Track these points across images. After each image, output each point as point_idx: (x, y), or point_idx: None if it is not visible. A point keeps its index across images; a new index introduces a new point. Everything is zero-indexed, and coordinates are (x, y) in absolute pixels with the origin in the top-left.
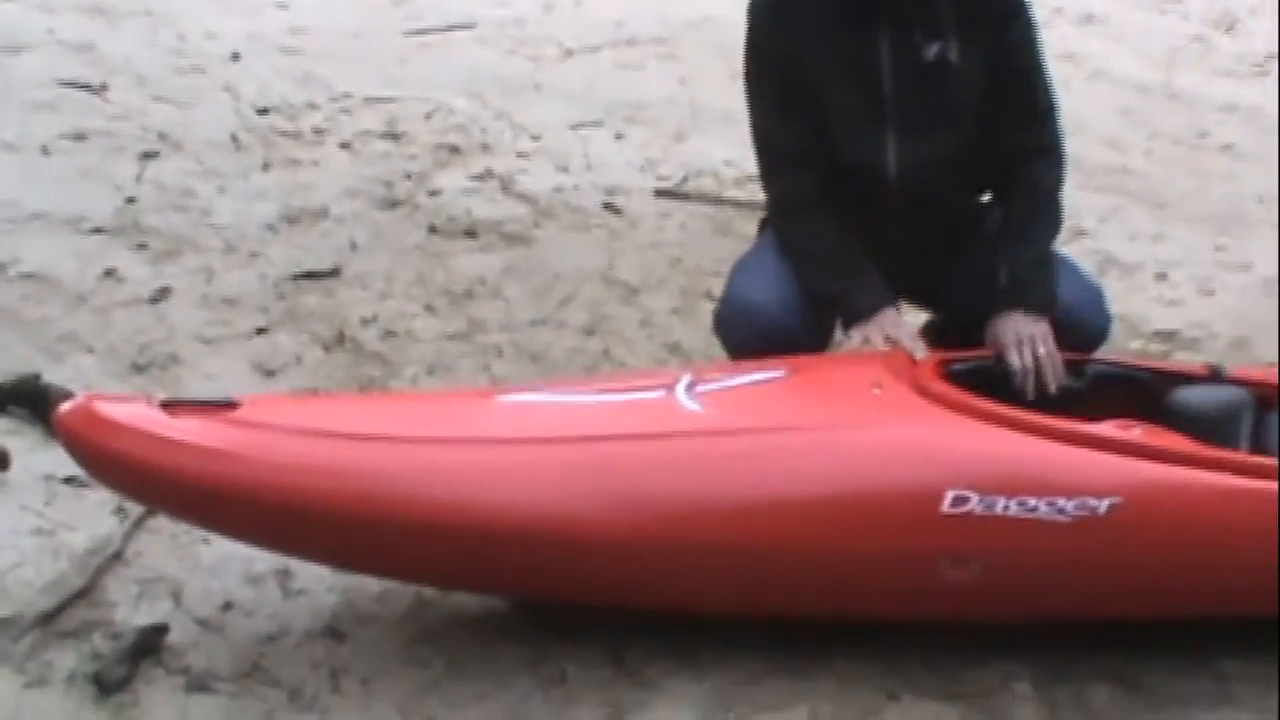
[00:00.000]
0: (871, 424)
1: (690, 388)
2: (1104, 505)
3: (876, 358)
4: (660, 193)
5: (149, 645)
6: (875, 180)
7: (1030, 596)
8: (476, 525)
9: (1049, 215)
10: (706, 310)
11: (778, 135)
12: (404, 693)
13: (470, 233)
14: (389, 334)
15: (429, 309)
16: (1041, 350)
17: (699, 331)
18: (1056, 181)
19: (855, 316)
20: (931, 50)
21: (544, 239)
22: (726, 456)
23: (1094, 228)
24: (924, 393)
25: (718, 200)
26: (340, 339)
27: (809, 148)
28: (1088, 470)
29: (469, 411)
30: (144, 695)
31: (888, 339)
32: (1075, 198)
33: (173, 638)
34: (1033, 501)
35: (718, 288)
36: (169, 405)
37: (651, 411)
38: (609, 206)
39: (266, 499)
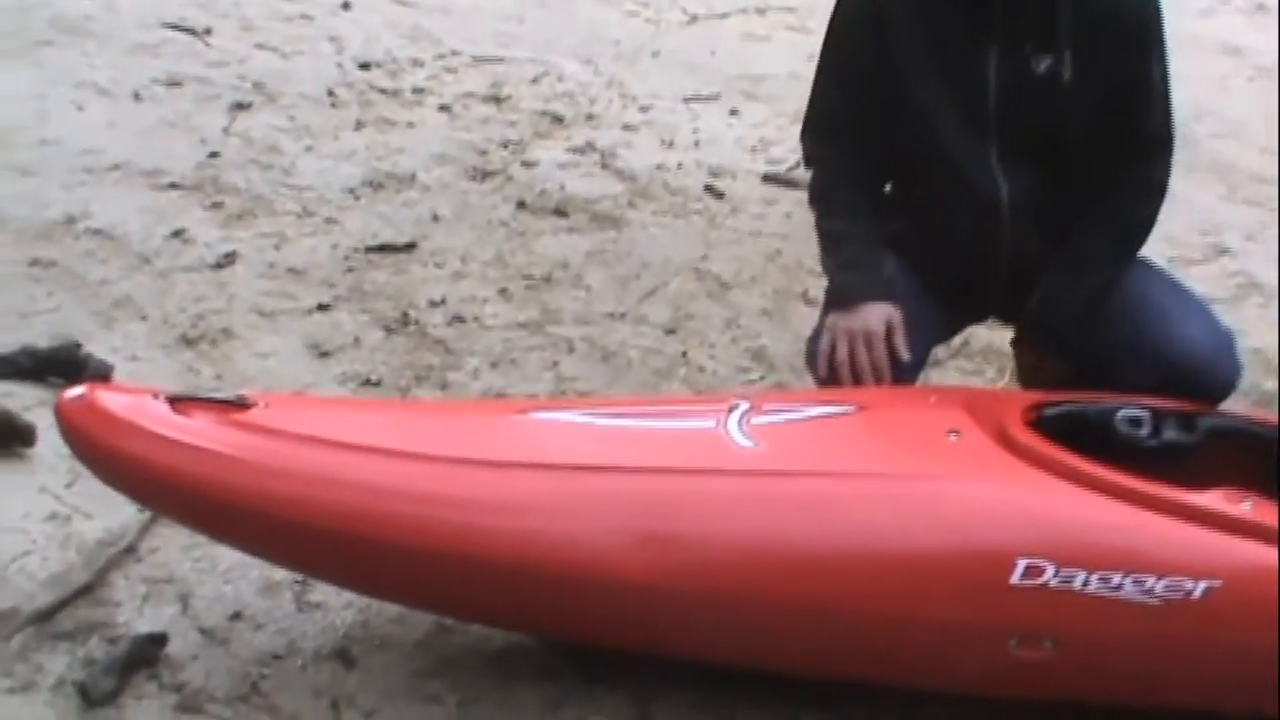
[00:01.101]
0: (940, 476)
1: (744, 420)
2: (1200, 588)
3: (959, 397)
4: (768, 178)
5: (144, 656)
6: (986, 196)
7: (1107, 681)
8: (495, 556)
9: (1117, 250)
10: (799, 314)
11: (839, 110)
12: None
13: (560, 211)
14: (456, 319)
15: (503, 293)
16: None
17: (787, 338)
18: (1144, 219)
19: (840, 303)
20: (1043, 65)
21: (637, 222)
22: (773, 501)
23: (1237, 245)
24: (1006, 443)
25: None
26: (404, 321)
27: (864, 131)
28: (1185, 547)
29: (496, 430)
30: (130, 712)
31: (863, 334)
32: (1218, 210)
33: (173, 647)
34: (1117, 578)
35: (815, 289)
36: (177, 401)
37: (697, 444)
38: (711, 189)
39: (270, 511)
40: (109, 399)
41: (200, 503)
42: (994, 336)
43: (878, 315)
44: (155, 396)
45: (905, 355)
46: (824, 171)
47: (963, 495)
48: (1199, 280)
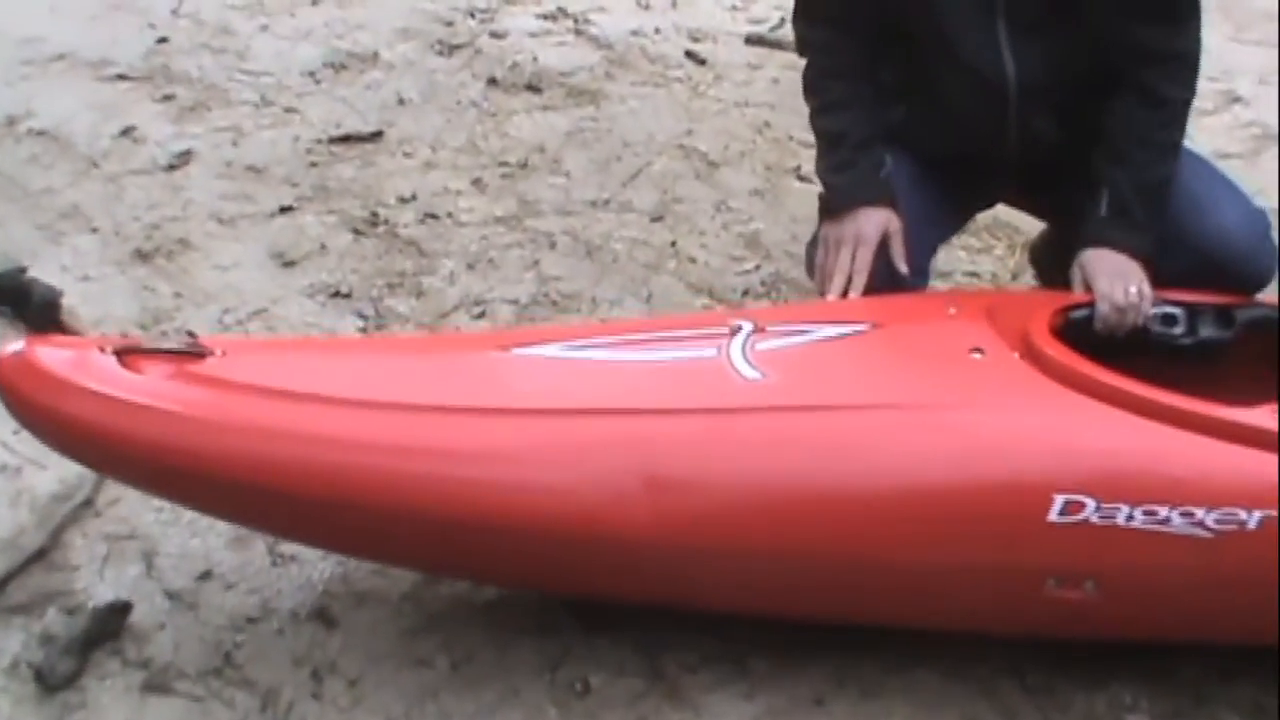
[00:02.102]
0: (965, 404)
1: (748, 345)
2: (1254, 519)
3: (980, 305)
4: (751, 39)
5: (106, 629)
6: (993, 78)
7: (1153, 620)
8: (481, 512)
9: (1167, 134)
10: (792, 194)
11: None
12: (395, 700)
13: (533, 87)
14: (428, 216)
15: (477, 184)
16: (1134, 290)
17: (782, 220)
18: (1183, 96)
19: (833, 209)
20: None
21: (615, 95)
22: (784, 440)
23: (1249, 92)
24: (1034, 358)
25: None
26: (373, 221)
27: (860, 11)
28: (1237, 473)
29: (476, 372)
30: (93, 695)
31: (853, 242)
32: (1226, 53)
33: (137, 615)
34: (1164, 511)
35: (808, 164)
36: (125, 353)
37: (698, 379)
38: (692, 55)
39: (231, 473)
40: (48, 355)
41: (155, 466)
42: (1000, 210)
43: (872, 222)
44: (101, 350)
45: (903, 267)
46: (817, 58)
47: (991, 425)
48: (1211, 133)
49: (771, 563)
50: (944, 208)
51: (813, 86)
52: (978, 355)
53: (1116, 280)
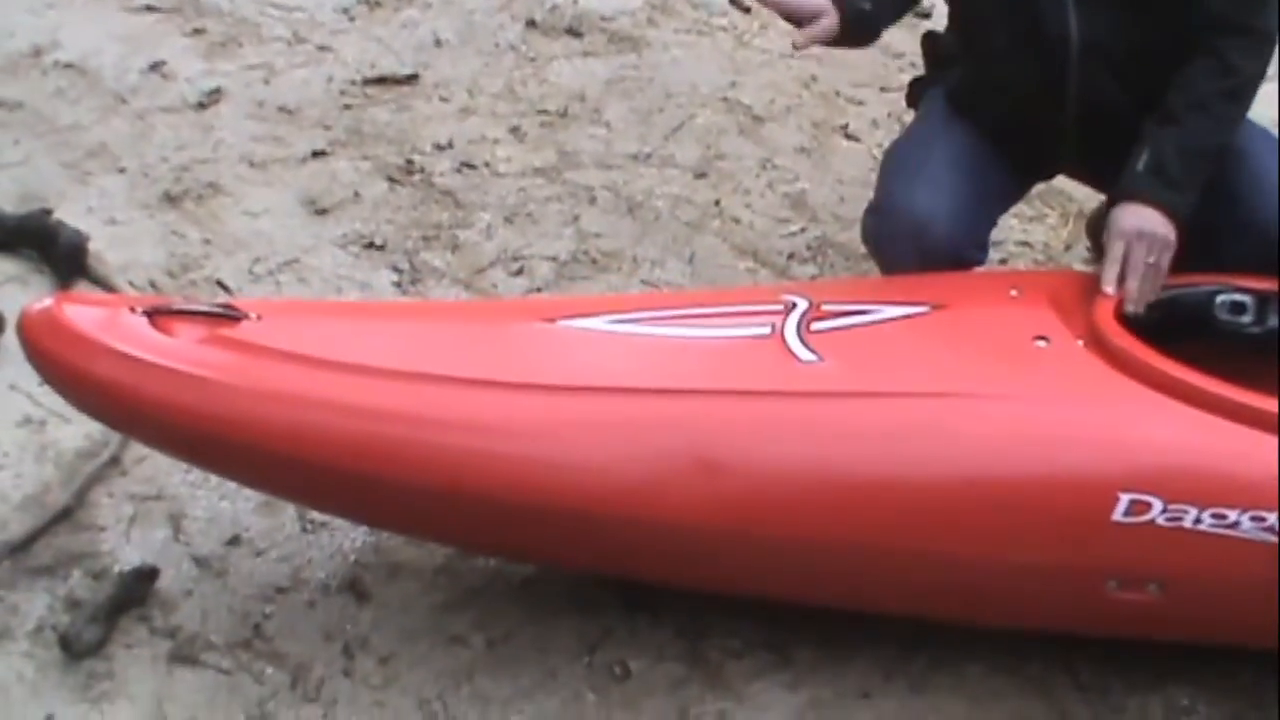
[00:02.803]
0: (1029, 394)
1: (803, 324)
2: None
3: (1043, 288)
4: None
5: (133, 596)
6: (1055, 33)
7: (1217, 626)
8: (522, 490)
9: (1226, 105)
10: (839, 151)
11: None
12: (429, 680)
13: (574, 31)
14: (465, 165)
15: (514, 132)
16: (1150, 258)
17: (828, 181)
18: (1252, 69)
19: None
20: None
21: (658, 42)
22: (841, 427)
23: None
24: (1100, 348)
25: None
26: (408, 169)
27: None
28: None
29: (521, 343)
30: (119, 664)
31: None
32: None
33: (164, 581)
34: (1233, 515)
35: (857, 123)
36: (157, 314)
37: (752, 359)
38: (736, 3)
39: (264, 442)
40: (77, 313)
41: (184, 432)
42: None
43: None
44: (132, 309)
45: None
46: None
47: (1054, 418)
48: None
49: (821, 551)
50: (1002, 178)
51: None
52: (1041, 343)
53: (1137, 242)
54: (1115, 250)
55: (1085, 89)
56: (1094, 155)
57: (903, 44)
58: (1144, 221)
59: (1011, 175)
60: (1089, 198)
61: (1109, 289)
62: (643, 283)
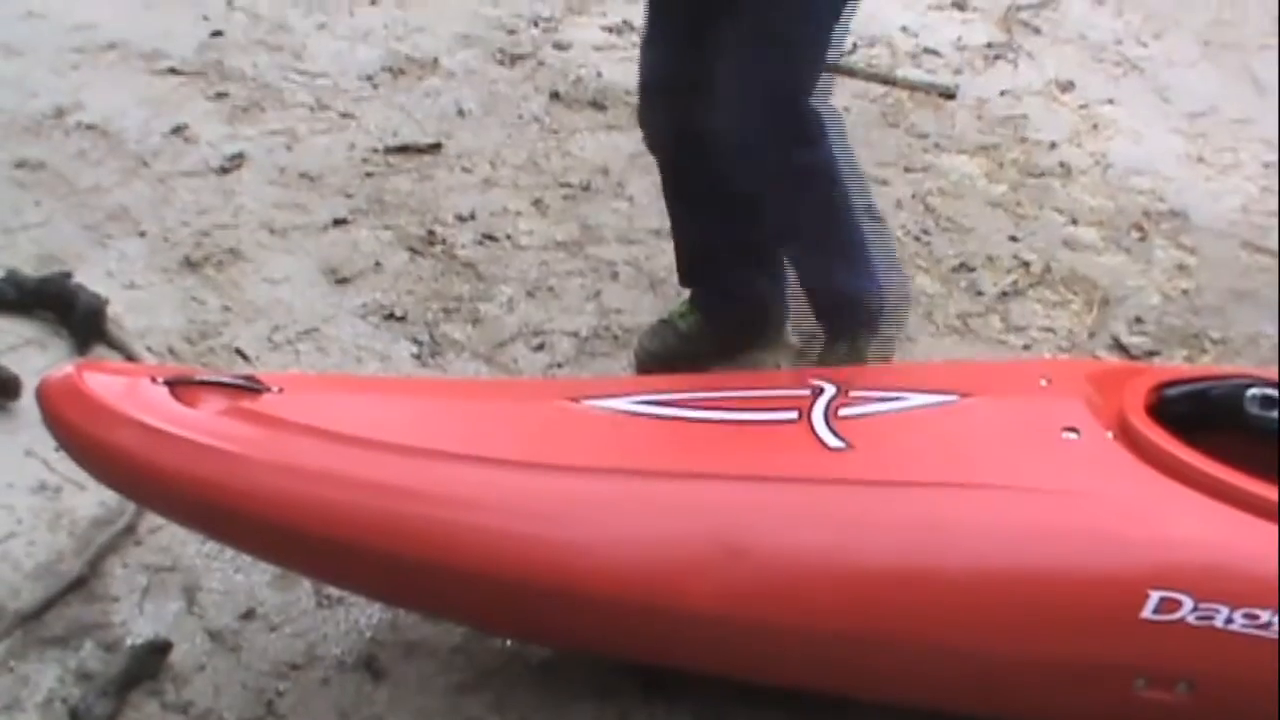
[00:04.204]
0: (1057, 486)
1: (831, 411)
2: None
3: (1074, 378)
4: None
5: (145, 669)
6: None
7: None
8: (542, 573)
9: None
10: None
11: None
12: None
13: (597, 104)
14: (486, 238)
15: (537, 205)
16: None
17: None
18: None
19: None
20: None
21: None
22: (869, 516)
23: None
24: (1130, 441)
25: (888, 80)
26: (429, 240)
27: None
28: None
29: (544, 423)
30: None
31: None
32: None
33: (177, 654)
34: (1266, 615)
35: (882, 200)
36: (178, 385)
37: (779, 445)
38: None
39: (283, 518)
40: (98, 382)
41: (203, 505)
42: (1078, 262)
43: None
44: (153, 380)
45: None
46: None
47: (1083, 512)
48: None
49: (844, 641)
50: None
51: None
52: (1071, 435)
53: None
54: None
55: None
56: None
57: (927, 124)
58: None
59: None
60: (1114, 284)
61: None
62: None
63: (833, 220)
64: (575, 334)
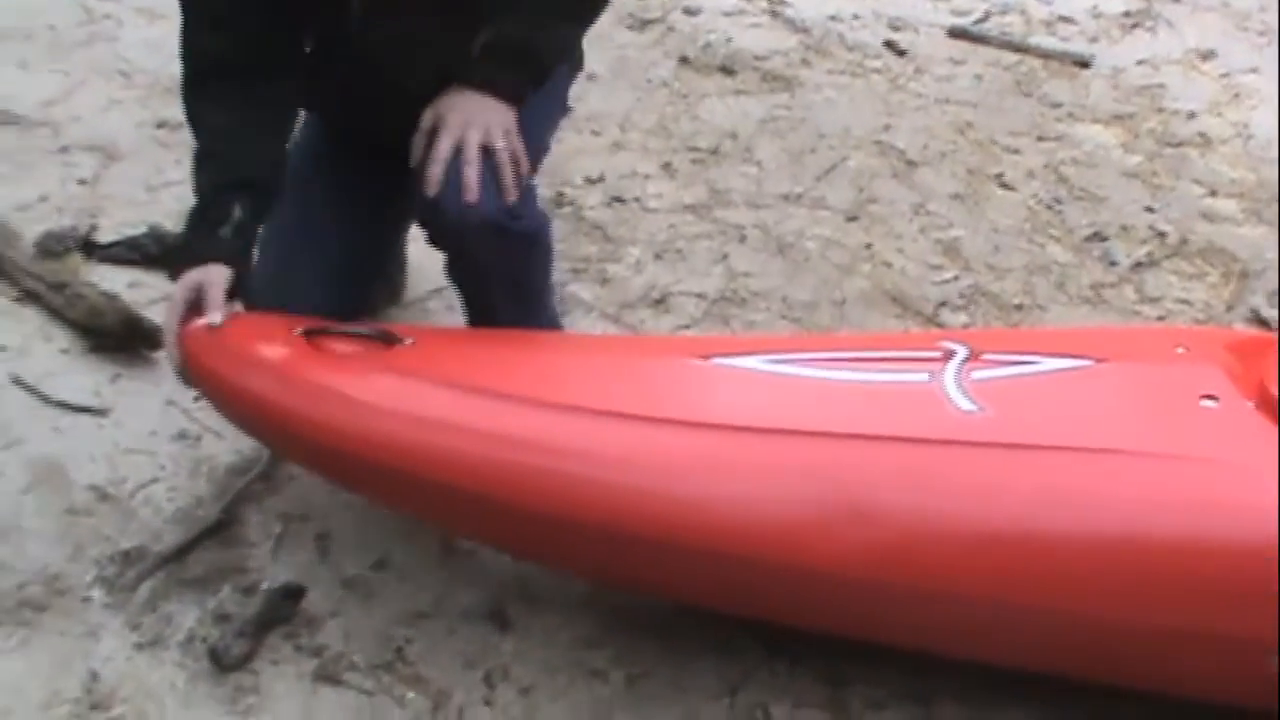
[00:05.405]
0: (1194, 454)
1: (962, 373)
2: None
3: (1212, 347)
4: (955, 32)
5: (280, 614)
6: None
7: None
8: (669, 528)
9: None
10: (994, 202)
11: None
12: (569, 714)
13: (727, 69)
14: (615, 200)
15: (666, 169)
16: (500, 142)
17: (982, 230)
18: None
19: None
20: None
21: (811, 83)
22: (998, 480)
23: None
24: (1272, 412)
25: (1022, 48)
26: (558, 201)
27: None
28: None
29: (673, 379)
30: (265, 679)
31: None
32: None
33: (310, 600)
34: None
35: (1012, 172)
36: (314, 336)
37: (909, 406)
38: (891, 45)
39: (410, 467)
40: (238, 331)
41: (336, 454)
42: (1216, 234)
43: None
44: (292, 330)
45: (216, 318)
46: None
47: (1220, 481)
48: None
49: (969, 605)
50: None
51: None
52: (1209, 403)
53: (466, 130)
54: (425, 122)
55: (384, 70)
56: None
57: (1061, 93)
58: (469, 105)
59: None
60: (1253, 256)
61: (431, 190)
62: (790, 323)
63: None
64: (702, 296)
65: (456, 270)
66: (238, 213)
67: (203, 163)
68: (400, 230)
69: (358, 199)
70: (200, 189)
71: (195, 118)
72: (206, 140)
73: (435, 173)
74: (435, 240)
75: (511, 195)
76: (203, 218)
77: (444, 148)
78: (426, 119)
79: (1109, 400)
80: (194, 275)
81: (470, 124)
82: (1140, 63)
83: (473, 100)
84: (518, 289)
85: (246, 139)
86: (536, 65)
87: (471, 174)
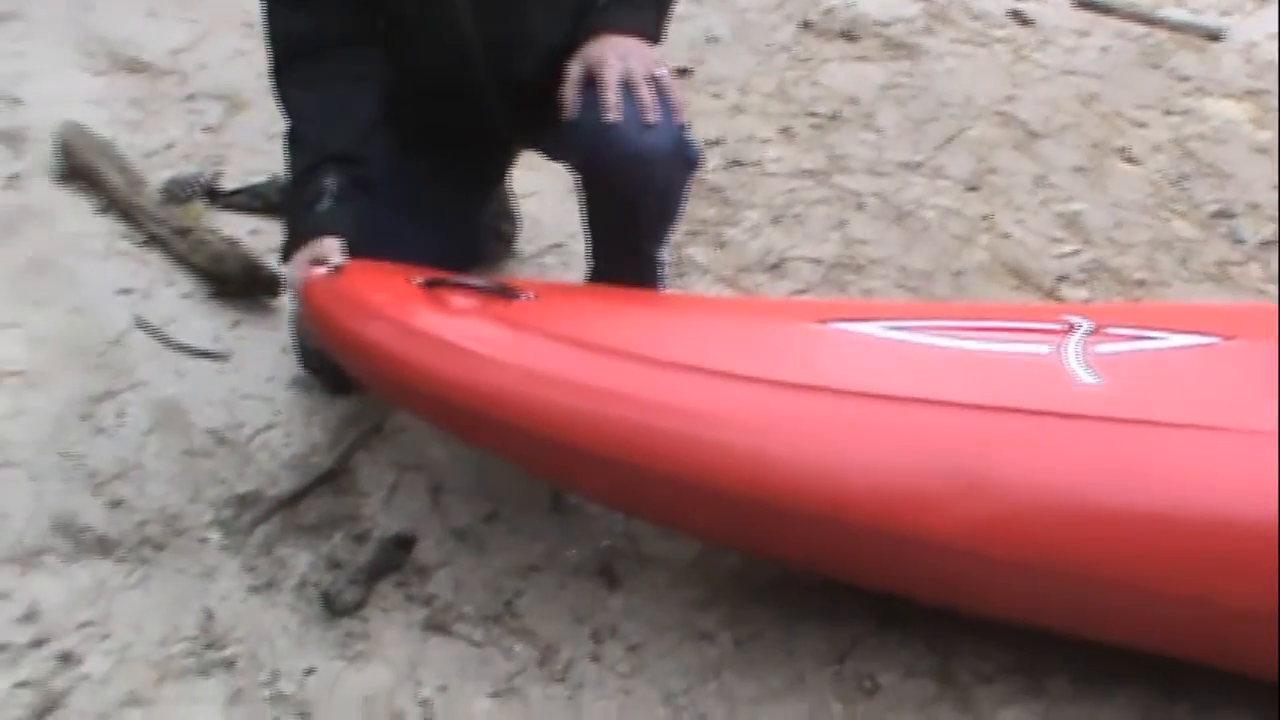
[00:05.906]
0: None
1: (1086, 346)
2: None
3: None
4: (1082, 2)
5: (392, 562)
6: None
7: None
8: (786, 489)
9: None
10: (1117, 176)
11: None
12: (676, 674)
13: (848, 35)
14: (734, 164)
15: (785, 133)
16: (660, 69)
17: (1104, 204)
18: None
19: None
20: None
21: (934, 51)
22: (1117, 455)
23: None
24: None
25: (1151, 20)
26: None
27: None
28: None
29: (791, 343)
30: (375, 626)
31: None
32: None
33: (421, 550)
34: None
35: (1138, 146)
36: (435, 286)
37: (1030, 377)
38: (1016, 15)
39: (524, 422)
40: (357, 280)
41: (450, 406)
42: None
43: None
44: (410, 281)
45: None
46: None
47: None
48: None
49: (1082, 581)
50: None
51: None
52: None
53: (626, 61)
54: (575, 71)
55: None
56: (534, 130)
57: (1190, 67)
58: (619, 46)
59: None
60: None
61: (613, 115)
62: (907, 292)
63: None
64: (818, 262)
65: (607, 205)
66: (331, 184)
67: (292, 145)
68: (495, 185)
69: (442, 166)
70: (293, 170)
71: (284, 101)
72: (295, 122)
73: (612, 99)
74: (607, 173)
75: (682, 116)
76: (299, 198)
77: (612, 80)
78: (574, 69)
79: (1235, 378)
80: (305, 253)
81: (628, 57)
82: (1274, 37)
83: (621, 42)
84: (660, 222)
85: (331, 116)
86: (666, 2)
87: (646, 95)
